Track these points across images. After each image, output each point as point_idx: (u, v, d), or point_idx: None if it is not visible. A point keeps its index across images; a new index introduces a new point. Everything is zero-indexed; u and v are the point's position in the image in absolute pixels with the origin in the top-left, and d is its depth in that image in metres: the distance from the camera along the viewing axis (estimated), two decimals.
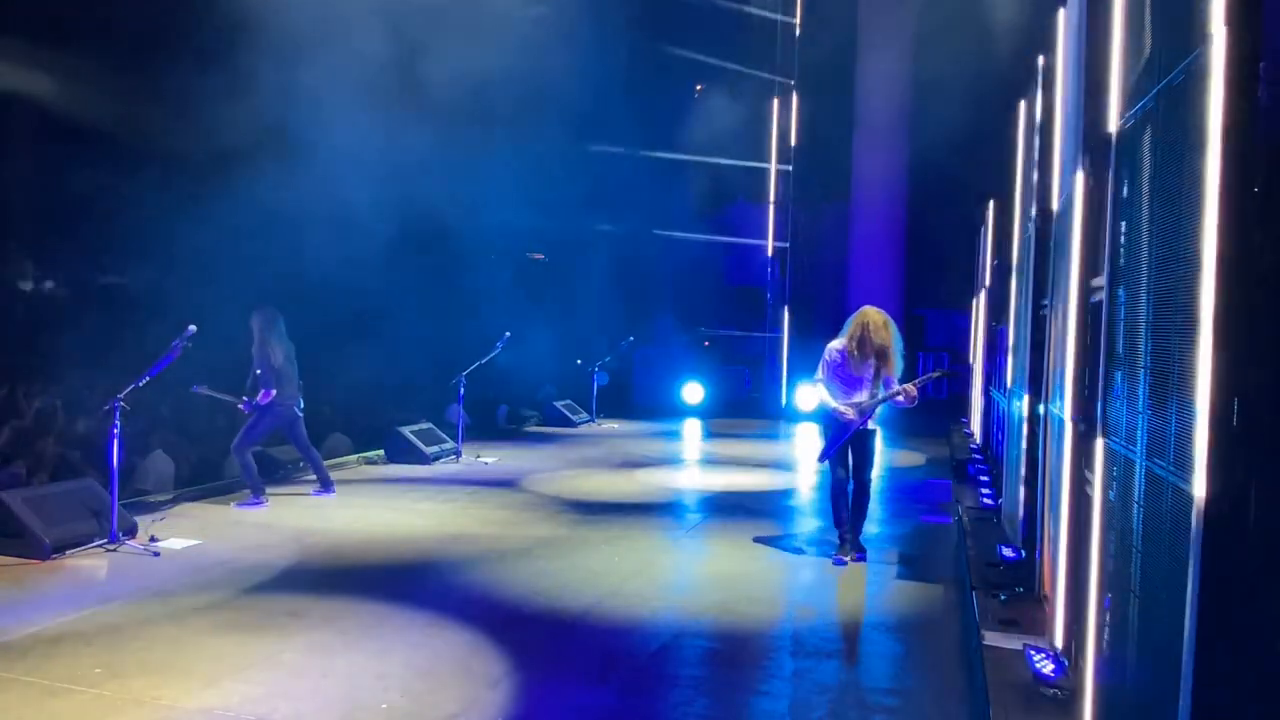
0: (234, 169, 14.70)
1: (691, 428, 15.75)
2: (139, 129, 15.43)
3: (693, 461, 12.43)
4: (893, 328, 6.57)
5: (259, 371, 8.00)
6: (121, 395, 6.63)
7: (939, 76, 15.82)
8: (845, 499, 6.69)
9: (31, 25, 14.82)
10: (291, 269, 15.79)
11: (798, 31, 19.13)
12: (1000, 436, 8.60)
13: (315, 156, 13.75)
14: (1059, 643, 4.27)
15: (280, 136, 13.78)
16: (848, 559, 6.58)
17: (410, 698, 4.13)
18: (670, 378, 18.28)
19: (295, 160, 13.77)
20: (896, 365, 6.54)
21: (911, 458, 12.14)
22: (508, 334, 11.61)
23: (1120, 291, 3.16)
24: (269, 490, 8.35)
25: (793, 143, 19.26)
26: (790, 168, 19.26)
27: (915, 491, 9.77)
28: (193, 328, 6.73)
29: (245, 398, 8.01)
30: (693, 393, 18.13)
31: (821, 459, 6.88)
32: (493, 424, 15.41)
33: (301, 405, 8.38)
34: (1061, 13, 5.24)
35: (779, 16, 19.10)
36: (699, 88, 19.96)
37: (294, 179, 13.79)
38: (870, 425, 6.63)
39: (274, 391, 7.97)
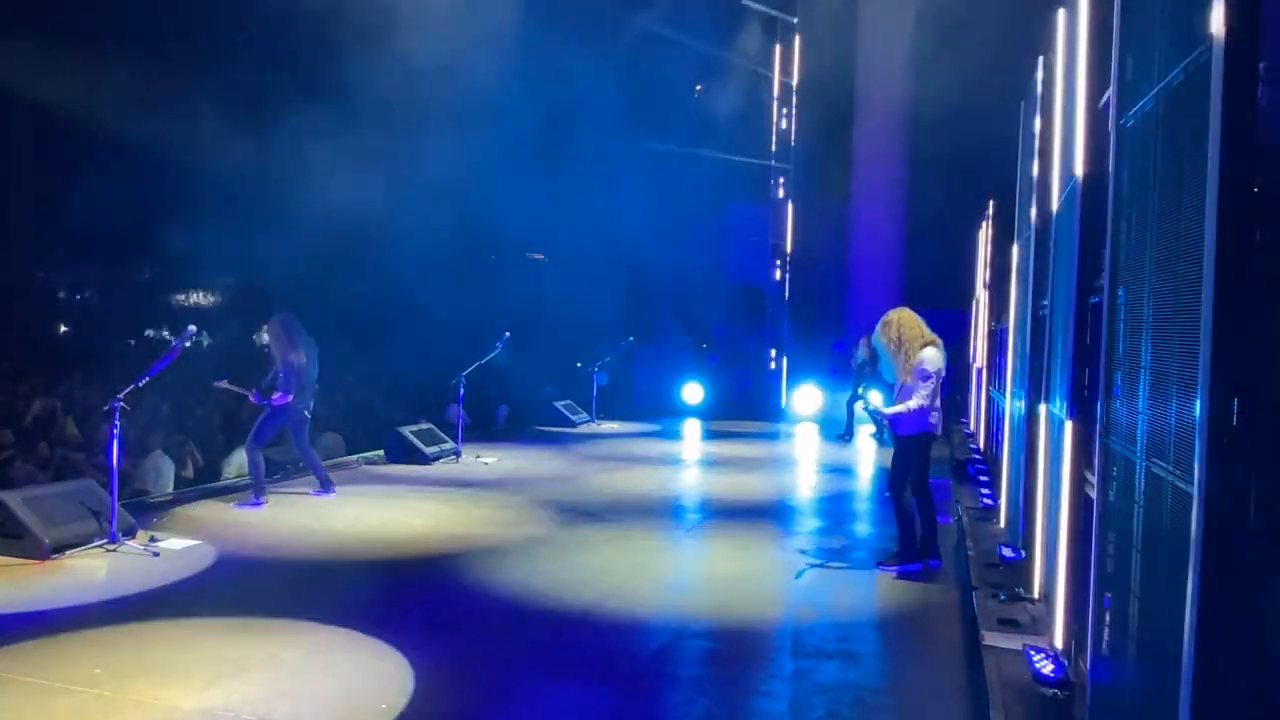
0: (236, 170, 14.72)
1: (691, 428, 15.75)
2: (146, 130, 15.44)
3: (693, 462, 12.43)
4: (889, 329, 6.27)
5: (281, 374, 8.03)
6: (121, 395, 6.63)
7: (939, 76, 15.81)
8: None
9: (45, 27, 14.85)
10: (294, 271, 15.81)
11: (798, 31, 19.13)
12: (1000, 436, 8.60)
13: (317, 160, 13.76)
14: (1059, 643, 4.28)
15: (283, 141, 13.79)
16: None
17: (410, 698, 4.12)
18: (670, 378, 18.27)
19: (295, 163, 13.79)
20: (909, 371, 6.18)
21: None
22: (507, 334, 11.60)
23: (1120, 291, 3.16)
24: (269, 490, 8.35)
25: (793, 143, 19.27)
26: (790, 167, 19.26)
27: None
28: (192, 328, 6.74)
29: (256, 390, 8.04)
30: (693, 393, 18.13)
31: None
32: (493, 424, 15.42)
33: (311, 408, 8.41)
34: (1061, 13, 5.24)
35: (779, 15, 19.11)
36: (699, 87, 19.98)
37: (296, 182, 13.81)
38: (902, 433, 6.35)
39: (290, 396, 8.00)
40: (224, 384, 8.07)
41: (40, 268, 22.70)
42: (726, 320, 19.93)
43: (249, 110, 13.98)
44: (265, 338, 8.21)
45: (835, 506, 9.14)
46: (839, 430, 14.28)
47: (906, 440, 6.36)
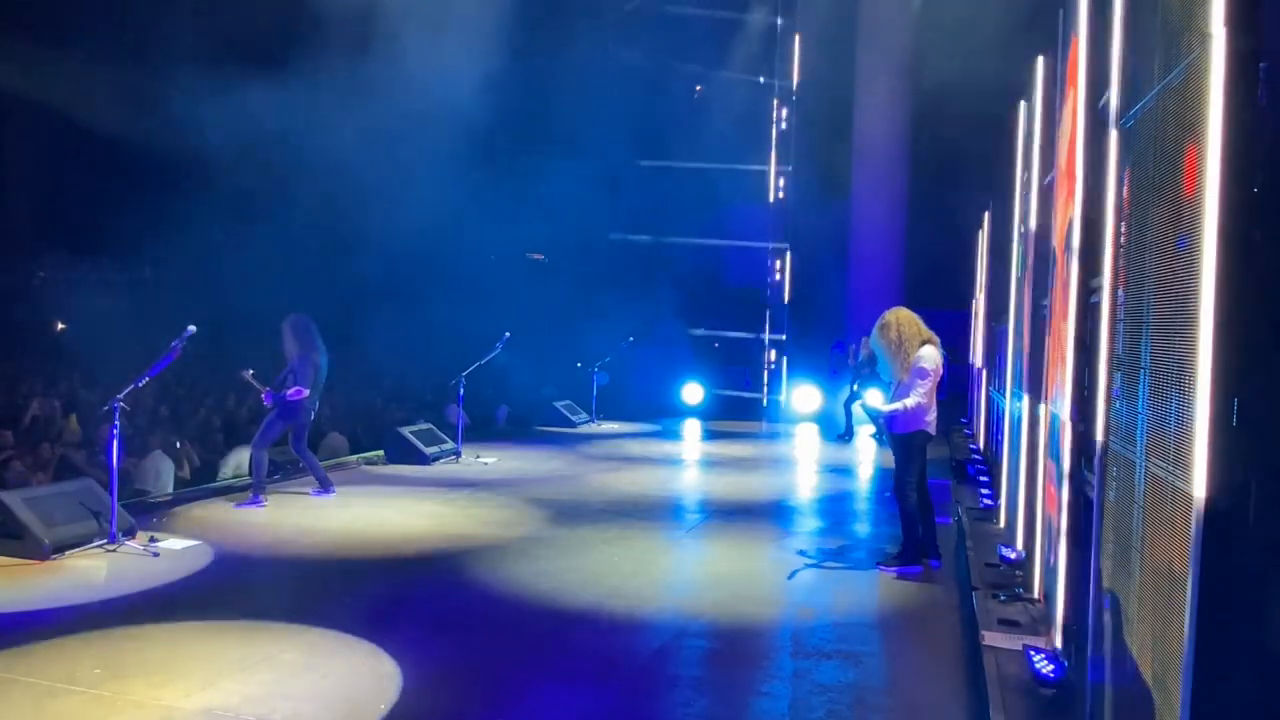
0: (235, 170, 14.72)
1: (691, 428, 15.75)
2: (140, 130, 15.43)
3: (692, 462, 12.43)
4: (888, 330, 6.27)
5: (297, 369, 8.07)
6: (121, 395, 6.63)
7: (939, 75, 15.82)
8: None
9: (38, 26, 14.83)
10: (292, 270, 15.81)
11: (797, 32, 19.13)
12: (1000, 436, 8.60)
13: (313, 158, 13.76)
14: (1059, 643, 4.27)
15: (281, 140, 13.79)
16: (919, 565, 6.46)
17: (410, 698, 4.12)
18: (670, 378, 18.27)
19: (293, 161, 13.79)
20: (906, 369, 6.20)
21: None
22: (507, 334, 11.60)
23: (1120, 292, 3.16)
24: (269, 490, 8.35)
25: (793, 143, 19.26)
26: (790, 168, 19.25)
27: None
28: (192, 328, 6.73)
29: (269, 388, 8.06)
30: (692, 393, 18.12)
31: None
32: (492, 424, 15.42)
33: (316, 409, 8.42)
34: (1061, 13, 5.24)
35: (779, 17, 19.11)
36: (698, 88, 19.97)
37: (294, 180, 13.82)
38: (897, 431, 6.36)
39: (306, 391, 8.02)
40: (248, 374, 8.16)
41: (40, 268, 22.69)
42: (726, 320, 19.92)
43: (251, 111, 13.98)
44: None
45: (835, 506, 9.14)
46: (839, 430, 14.29)
47: (903, 439, 6.37)
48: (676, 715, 4.14)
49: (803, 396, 17.30)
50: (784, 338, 19.16)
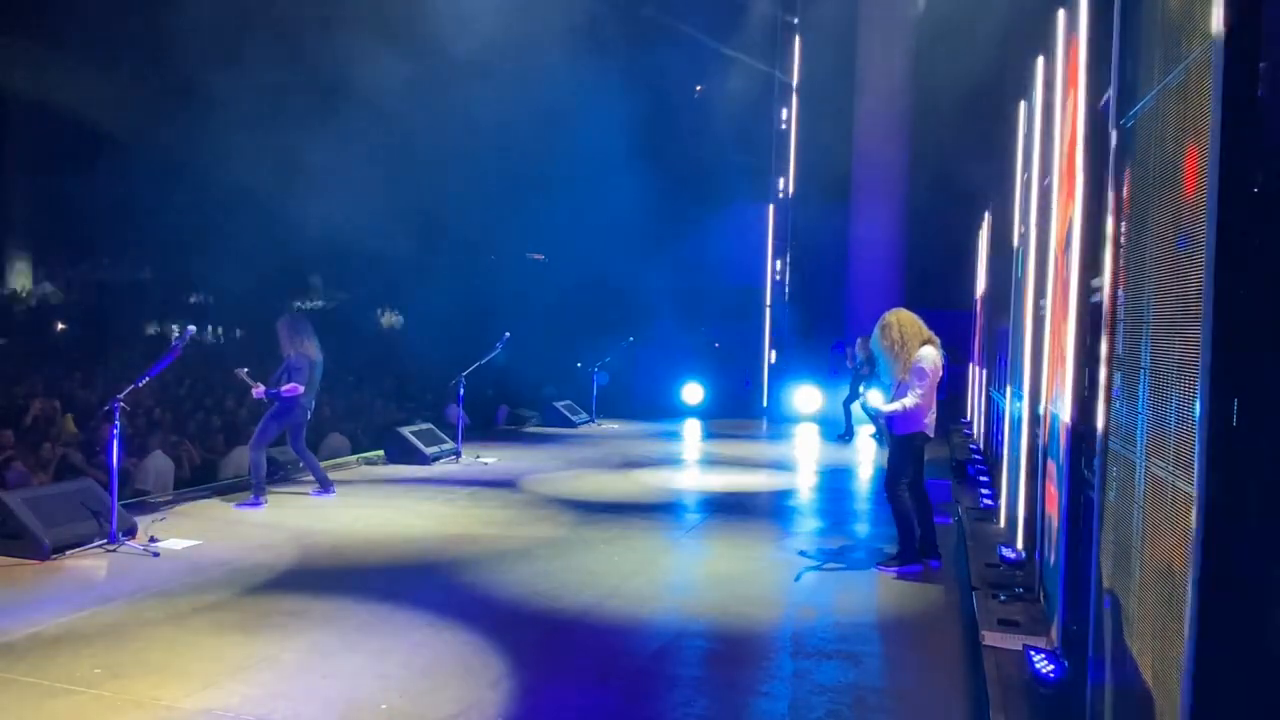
0: (234, 169, 14.73)
1: (691, 428, 15.74)
2: (140, 130, 15.43)
3: (692, 462, 12.42)
4: (890, 330, 6.26)
5: (293, 366, 8.07)
6: (121, 395, 6.63)
7: (939, 75, 15.82)
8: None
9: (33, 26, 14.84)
10: (292, 269, 15.82)
11: (798, 31, 19.14)
12: (1000, 436, 8.60)
13: (313, 157, 13.76)
14: (1059, 643, 4.27)
15: (279, 138, 13.80)
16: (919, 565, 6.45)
17: (410, 698, 4.13)
18: (670, 378, 18.27)
19: (293, 161, 13.79)
20: (907, 369, 6.18)
21: None
22: (507, 334, 11.61)
23: (1120, 292, 3.16)
24: (269, 490, 8.35)
25: (792, 142, 19.27)
26: (790, 168, 19.26)
27: None
28: (192, 328, 6.76)
29: (262, 385, 8.06)
30: (693, 393, 18.12)
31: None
32: (492, 424, 15.42)
33: (312, 408, 8.42)
34: (1061, 13, 5.24)
35: (780, 16, 19.12)
36: (698, 88, 19.98)
37: (293, 180, 13.82)
38: (897, 432, 6.36)
39: (302, 388, 8.02)
40: (243, 372, 8.19)
41: (41, 267, 22.71)
42: (726, 320, 19.92)
43: (250, 113, 13.99)
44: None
45: (835, 506, 9.14)
46: (839, 430, 14.29)
47: (901, 439, 6.37)
48: (676, 715, 4.14)
49: (803, 396, 17.31)
50: (783, 338, 19.16)
